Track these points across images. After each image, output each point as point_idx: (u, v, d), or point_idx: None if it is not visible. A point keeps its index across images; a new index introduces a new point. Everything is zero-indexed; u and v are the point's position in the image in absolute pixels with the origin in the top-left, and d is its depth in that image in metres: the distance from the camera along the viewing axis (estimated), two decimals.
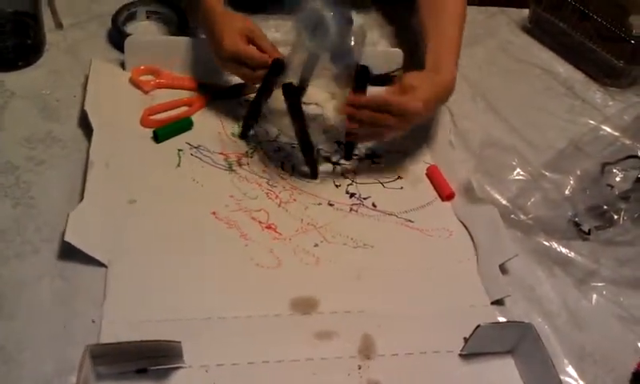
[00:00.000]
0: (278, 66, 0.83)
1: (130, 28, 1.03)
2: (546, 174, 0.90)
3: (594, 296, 0.81)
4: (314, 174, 0.87)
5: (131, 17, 1.05)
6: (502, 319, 0.75)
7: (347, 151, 0.91)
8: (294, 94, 0.81)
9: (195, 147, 0.87)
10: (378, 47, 1.11)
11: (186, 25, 1.04)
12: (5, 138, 0.83)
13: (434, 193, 0.89)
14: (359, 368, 0.68)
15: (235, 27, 0.84)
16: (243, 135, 0.91)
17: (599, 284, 0.82)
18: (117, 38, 0.99)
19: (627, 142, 0.98)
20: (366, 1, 1.23)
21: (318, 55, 0.84)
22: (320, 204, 0.84)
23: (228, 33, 0.84)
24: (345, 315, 0.72)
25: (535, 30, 1.27)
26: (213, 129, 0.91)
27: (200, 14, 0.89)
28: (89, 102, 0.86)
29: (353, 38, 0.80)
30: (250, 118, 0.89)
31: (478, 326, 0.68)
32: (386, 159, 0.93)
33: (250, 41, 0.85)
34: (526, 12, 1.30)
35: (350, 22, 0.79)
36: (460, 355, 0.71)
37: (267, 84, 0.86)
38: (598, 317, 0.79)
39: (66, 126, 0.87)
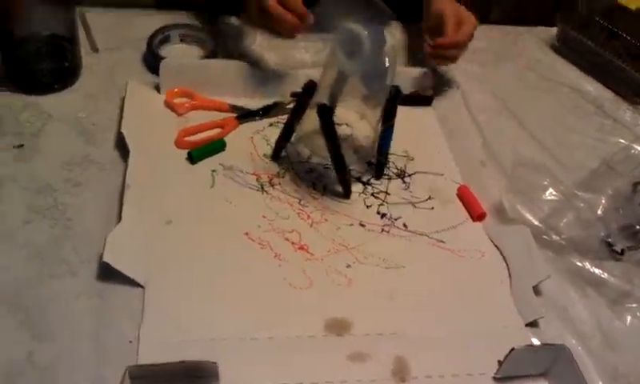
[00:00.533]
0: (311, 87, 0.84)
1: (164, 51, 1.05)
2: (578, 193, 0.89)
3: (628, 317, 0.80)
4: (346, 194, 0.88)
5: (165, 40, 1.07)
6: (535, 341, 0.75)
7: (378, 171, 0.92)
8: (329, 115, 0.82)
9: (228, 168, 0.89)
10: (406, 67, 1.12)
11: (218, 46, 1.06)
12: (42, 161, 0.85)
13: (465, 213, 0.89)
14: None
15: None
16: (275, 156, 0.91)
17: (633, 305, 0.82)
18: (151, 61, 1.01)
19: None
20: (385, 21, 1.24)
21: (348, 75, 0.85)
22: (351, 224, 0.85)
23: None
24: (378, 337, 0.72)
25: (563, 48, 1.27)
26: (245, 150, 0.92)
27: None
28: (125, 124, 0.88)
29: (387, 59, 0.81)
30: (282, 139, 0.90)
31: (513, 349, 0.68)
32: (416, 179, 0.93)
33: (281, 3, 0.90)
34: (553, 31, 1.30)
35: (384, 42, 0.80)
36: (494, 378, 0.70)
37: (300, 105, 0.87)
38: (631, 338, 0.78)
39: (102, 148, 0.88)
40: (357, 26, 0.78)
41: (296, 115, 0.88)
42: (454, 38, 0.99)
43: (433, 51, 1.00)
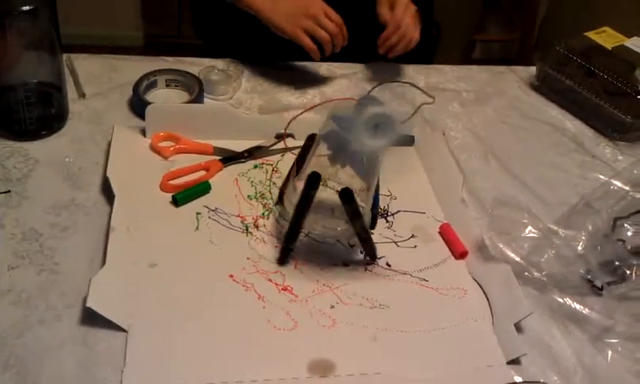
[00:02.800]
0: (315, 180, 0.79)
1: (150, 96, 1.07)
2: (559, 230, 0.90)
3: (609, 352, 0.81)
4: (373, 258, 0.87)
5: (152, 85, 1.09)
6: (518, 379, 0.75)
7: (372, 221, 0.92)
8: (352, 197, 0.79)
9: (213, 210, 0.90)
10: None
11: (203, 91, 1.08)
12: (29, 206, 0.86)
13: (448, 251, 0.90)
14: None
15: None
16: (282, 261, 0.85)
17: (614, 340, 0.82)
18: (138, 106, 1.03)
19: (638, 196, 0.99)
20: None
21: (368, 152, 0.81)
22: (335, 264, 0.86)
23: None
24: (361, 378, 0.72)
25: (543, 87, 1.29)
26: (230, 192, 0.93)
27: None
28: (111, 168, 0.89)
29: None
30: (289, 241, 0.84)
31: None
32: (399, 218, 0.94)
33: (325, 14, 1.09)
34: (533, 69, 1.32)
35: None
36: None
37: (306, 199, 0.80)
38: (613, 374, 0.79)
39: (88, 192, 0.89)
40: (377, 107, 0.78)
41: (302, 212, 0.81)
42: (391, 25, 1.13)
43: (383, 47, 1.14)
